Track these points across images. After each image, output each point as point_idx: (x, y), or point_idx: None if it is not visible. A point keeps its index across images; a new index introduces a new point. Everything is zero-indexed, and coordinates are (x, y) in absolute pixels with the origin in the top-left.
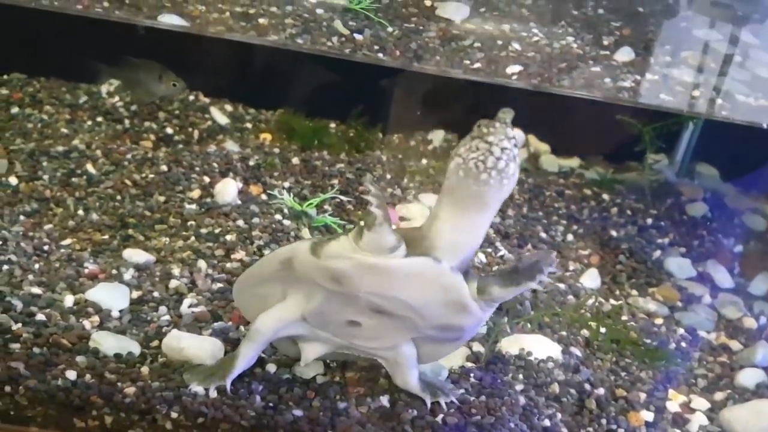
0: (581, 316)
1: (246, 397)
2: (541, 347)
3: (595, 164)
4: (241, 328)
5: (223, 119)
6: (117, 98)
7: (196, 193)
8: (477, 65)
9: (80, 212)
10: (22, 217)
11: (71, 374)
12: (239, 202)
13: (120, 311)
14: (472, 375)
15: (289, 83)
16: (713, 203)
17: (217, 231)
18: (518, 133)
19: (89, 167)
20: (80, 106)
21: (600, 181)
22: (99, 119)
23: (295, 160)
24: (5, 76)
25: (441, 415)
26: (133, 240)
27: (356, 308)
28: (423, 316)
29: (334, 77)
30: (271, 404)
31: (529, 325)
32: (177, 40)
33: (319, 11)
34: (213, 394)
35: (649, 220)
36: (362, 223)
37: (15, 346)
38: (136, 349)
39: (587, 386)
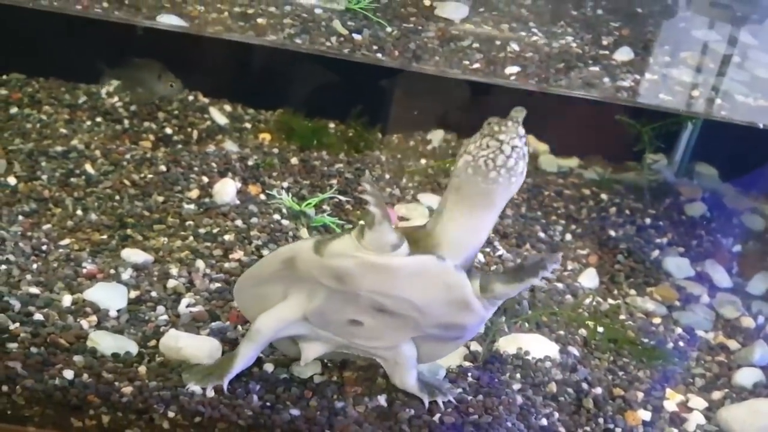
0: (579, 316)
1: (243, 396)
2: (539, 346)
3: (594, 164)
4: (239, 327)
5: (222, 119)
6: (116, 98)
7: (194, 193)
8: (476, 65)
9: (79, 212)
10: (20, 217)
11: (68, 374)
12: (238, 202)
13: (118, 311)
14: (469, 374)
15: (288, 83)
16: (712, 203)
17: (215, 231)
18: None
19: (88, 167)
20: (79, 106)
21: (599, 181)
22: (98, 119)
23: (294, 160)
24: (4, 76)
25: (438, 415)
26: (132, 240)
27: (358, 307)
28: (425, 314)
29: (333, 77)
30: (268, 404)
31: (526, 325)
32: (176, 41)
33: (318, 11)
34: (210, 393)
35: (648, 220)
36: (363, 222)
37: (12, 345)
38: (133, 348)
39: (585, 385)
